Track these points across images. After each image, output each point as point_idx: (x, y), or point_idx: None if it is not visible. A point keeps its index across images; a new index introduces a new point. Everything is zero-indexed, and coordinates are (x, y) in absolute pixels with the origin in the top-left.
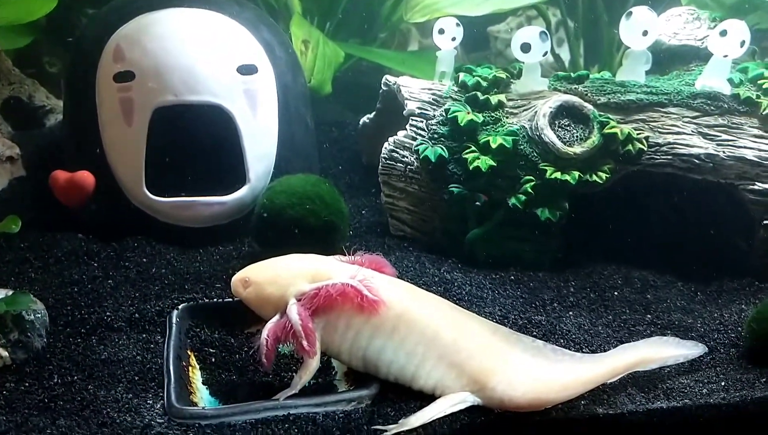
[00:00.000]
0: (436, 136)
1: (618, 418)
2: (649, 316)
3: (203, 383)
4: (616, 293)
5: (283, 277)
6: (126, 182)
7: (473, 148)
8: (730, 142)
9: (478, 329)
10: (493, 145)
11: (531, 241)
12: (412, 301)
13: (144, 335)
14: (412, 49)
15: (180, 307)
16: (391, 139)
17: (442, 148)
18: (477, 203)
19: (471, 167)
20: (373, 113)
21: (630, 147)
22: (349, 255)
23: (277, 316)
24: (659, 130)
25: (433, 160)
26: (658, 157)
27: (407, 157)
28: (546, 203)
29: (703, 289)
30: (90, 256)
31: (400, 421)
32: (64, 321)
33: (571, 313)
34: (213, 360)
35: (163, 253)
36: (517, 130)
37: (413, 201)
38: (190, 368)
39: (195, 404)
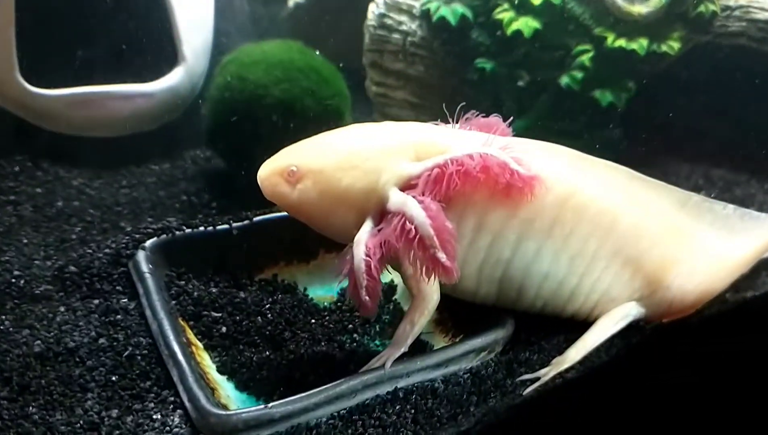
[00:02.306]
0: None
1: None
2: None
3: (219, 371)
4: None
5: (369, 156)
6: None
7: (507, 5)
8: None
9: (664, 204)
10: (535, 2)
11: (586, 134)
12: (578, 175)
13: (97, 300)
14: None
15: (147, 244)
16: (380, 0)
17: (463, 7)
18: (519, 83)
19: (508, 32)
20: None
21: (702, 8)
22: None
23: (367, 224)
24: None
25: (453, 24)
26: (730, 23)
27: (406, 24)
28: (607, 83)
29: None
30: None
31: (555, 360)
32: None
33: None
34: (223, 330)
35: (64, 178)
36: None
37: (416, 89)
38: (193, 348)
39: (225, 407)
